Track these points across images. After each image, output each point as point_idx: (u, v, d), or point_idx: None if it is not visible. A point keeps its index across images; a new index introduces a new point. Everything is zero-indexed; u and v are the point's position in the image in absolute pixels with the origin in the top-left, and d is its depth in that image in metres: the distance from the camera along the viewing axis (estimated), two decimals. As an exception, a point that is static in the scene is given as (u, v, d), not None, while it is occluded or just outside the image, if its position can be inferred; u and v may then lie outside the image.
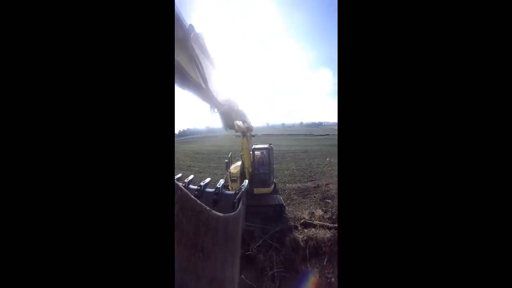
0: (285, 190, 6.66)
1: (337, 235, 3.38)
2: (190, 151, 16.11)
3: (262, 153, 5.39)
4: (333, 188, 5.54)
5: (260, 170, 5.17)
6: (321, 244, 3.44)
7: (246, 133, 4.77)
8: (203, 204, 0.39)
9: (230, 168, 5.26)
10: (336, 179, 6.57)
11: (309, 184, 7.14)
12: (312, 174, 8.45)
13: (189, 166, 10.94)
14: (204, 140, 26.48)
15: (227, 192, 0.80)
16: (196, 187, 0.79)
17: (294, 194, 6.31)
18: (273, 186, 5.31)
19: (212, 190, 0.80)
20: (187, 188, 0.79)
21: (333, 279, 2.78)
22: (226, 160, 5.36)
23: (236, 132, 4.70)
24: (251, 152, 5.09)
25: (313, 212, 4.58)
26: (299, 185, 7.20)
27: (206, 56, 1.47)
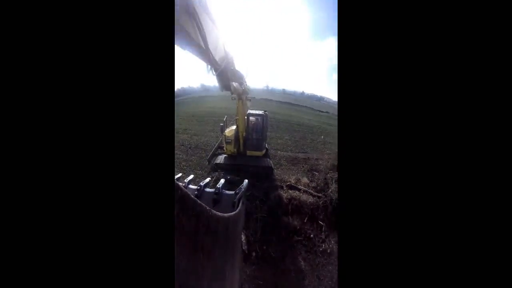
0: (276, 156, 7.08)
1: (320, 202, 3.96)
2: (186, 114, 15.24)
3: (257, 119, 5.46)
4: (322, 163, 6.02)
5: (254, 135, 5.39)
6: (303, 205, 4.01)
7: (242, 96, 4.64)
8: (203, 204, 0.39)
9: (225, 131, 5.36)
10: (327, 156, 7.05)
11: (299, 155, 7.60)
12: (305, 148, 8.87)
13: (186, 129, 10.62)
14: (199, 102, 25.03)
15: (227, 192, 0.79)
16: (196, 187, 0.78)
17: (284, 161, 6.78)
18: (265, 151, 5.67)
19: (212, 190, 0.79)
20: (187, 188, 0.78)
21: (311, 235, 3.41)
22: (221, 124, 5.40)
23: (232, 94, 4.33)
24: (246, 118, 5.13)
25: (299, 179, 5.10)
26: (290, 154, 7.64)
27: (207, 13, 1.33)
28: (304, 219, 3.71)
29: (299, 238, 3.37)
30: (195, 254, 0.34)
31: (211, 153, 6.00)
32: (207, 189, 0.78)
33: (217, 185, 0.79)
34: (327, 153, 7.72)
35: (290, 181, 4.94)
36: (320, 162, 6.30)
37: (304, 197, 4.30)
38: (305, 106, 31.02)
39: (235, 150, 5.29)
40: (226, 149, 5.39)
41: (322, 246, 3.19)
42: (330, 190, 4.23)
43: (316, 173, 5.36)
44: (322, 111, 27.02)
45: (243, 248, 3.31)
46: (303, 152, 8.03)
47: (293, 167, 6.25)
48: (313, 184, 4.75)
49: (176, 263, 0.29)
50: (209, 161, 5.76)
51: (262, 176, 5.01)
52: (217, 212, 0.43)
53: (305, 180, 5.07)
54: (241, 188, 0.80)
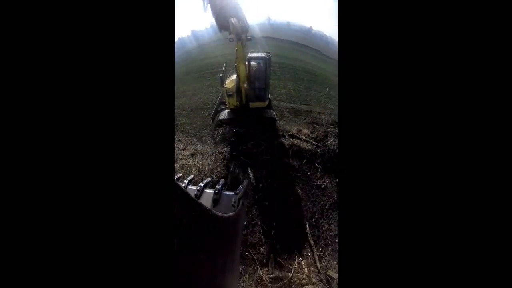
0: (279, 107, 7.14)
1: (318, 150, 4.54)
2: (180, 73, 13.01)
3: (258, 64, 5.04)
4: (324, 118, 6.29)
5: (256, 84, 5.12)
6: (302, 151, 4.59)
7: (241, 35, 4.11)
8: (203, 204, 0.39)
9: (226, 82, 5.01)
10: (329, 111, 7.23)
11: (302, 107, 7.69)
12: (308, 99, 8.79)
13: (183, 91, 9.50)
14: (192, 54, 20.43)
15: (227, 192, 0.80)
16: (196, 187, 0.79)
17: (287, 112, 6.94)
18: (268, 101, 5.60)
19: (212, 190, 0.80)
20: (187, 188, 0.79)
21: (308, 173, 4.13)
22: (220, 74, 4.96)
23: (230, 34, 3.84)
24: (246, 63, 4.70)
25: (301, 130, 5.51)
26: (293, 105, 7.69)
27: None
28: (303, 161, 4.37)
29: (298, 174, 4.15)
30: (195, 254, 0.35)
31: (213, 110, 5.92)
32: (207, 189, 0.80)
33: (217, 185, 0.80)
34: (330, 108, 7.83)
35: (291, 131, 5.36)
36: (322, 116, 6.54)
37: (304, 144, 4.85)
38: (313, 49, 27.26)
39: (238, 103, 5.22)
40: (229, 103, 5.29)
41: (317, 182, 4.03)
42: (328, 142, 4.72)
43: (317, 126, 5.72)
44: (330, 58, 24.27)
45: (252, 182, 4.10)
46: (306, 104, 8.07)
47: (295, 118, 6.51)
48: (313, 135, 5.21)
49: (176, 263, 0.30)
50: (213, 119, 5.77)
51: (266, 128, 5.31)
52: (217, 212, 0.44)
53: (306, 131, 5.49)
54: (241, 188, 0.82)
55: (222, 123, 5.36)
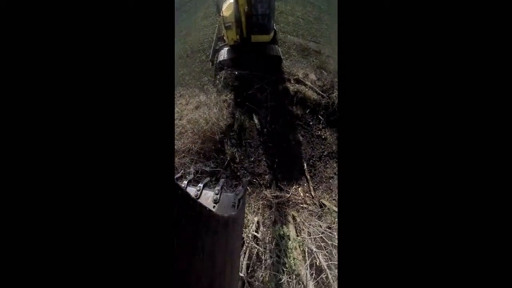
0: (285, 42, 6.18)
1: (322, 101, 4.58)
2: None
3: None
4: (333, 64, 5.83)
5: (259, 10, 4.11)
6: (307, 99, 4.63)
7: None
8: (203, 204, 0.39)
9: (222, 10, 4.00)
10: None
11: (311, 44, 6.79)
12: (318, 36, 7.60)
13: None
14: None
15: (227, 192, 0.80)
16: (195, 187, 0.78)
17: (293, 50, 6.13)
18: (273, 33, 4.77)
19: (212, 190, 0.79)
20: (187, 188, 0.79)
21: (311, 123, 4.39)
22: None
23: None
24: None
25: (307, 74, 5.23)
26: (301, 41, 6.71)
27: None
28: (306, 111, 4.54)
29: (300, 123, 4.43)
30: (195, 254, 0.35)
31: (211, 50, 4.96)
32: (207, 190, 0.79)
33: (217, 185, 0.80)
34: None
35: (298, 75, 5.06)
36: (331, 62, 6.03)
37: (309, 93, 4.81)
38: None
39: (238, 36, 4.35)
40: (227, 37, 4.39)
41: (318, 132, 4.41)
42: (334, 94, 4.69)
43: (325, 73, 5.43)
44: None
45: (257, 127, 4.29)
46: (315, 42, 7.09)
47: (302, 59, 5.92)
48: (320, 83, 5.06)
49: (176, 263, 0.30)
50: (212, 62, 4.94)
51: (270, 68, 4.83)
52: (217, 212, 0.44)
53: (312, 76, 5.24)
54: (241, 189, 0.82)
55: (222, 65, 4.69)
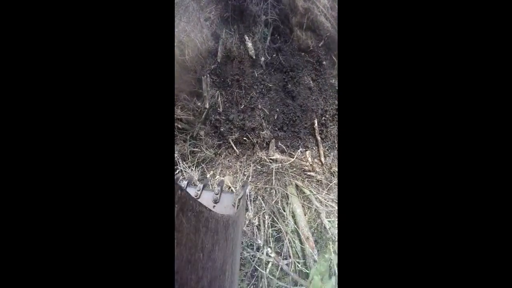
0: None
1: (336, 37, 3.30)
2: None
3: None
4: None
5: None
6: (319, 26, 3.27)
7: None
8: (203, 204, 0.38)
9: None
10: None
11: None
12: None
13: None
14: None
15: (227, 192, 0.78)
16: (195, 187, 0.78)
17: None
18: None
19: (212, 190, 0.79)
20: (187, 188, 0.79)
21: (324, 62, 3.12)
22: None
23: None
24: None
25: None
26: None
27: None
28: (319, 43, 3.24)
29: (311, 60, 3.14)
30: (195, 254, 0.34)
31: None
32: (207, 190, 0.79)
33: (217, 185, 0.79)
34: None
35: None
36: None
37: (321, 18, 3.43)
38: None
39: None
40: None
41: (332, 80, 3.22)
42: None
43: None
44: None
45: (251, 55, 2.76)
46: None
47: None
48: (334, 13, 3.68)
49: (176, 263, 0.30)
50: None
51: None
52: (217, 212, 0.43)
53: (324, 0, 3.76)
54: (241, 189, 0.82)
55: None
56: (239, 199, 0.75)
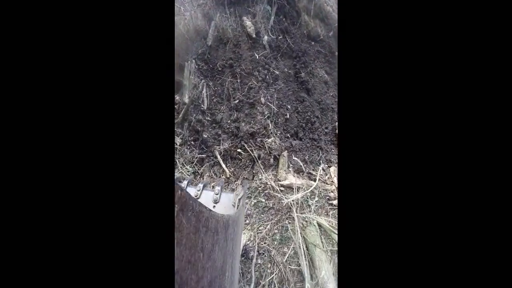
0: None
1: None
2: None
3: None
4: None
5: None
6: (328, 16, 2.80)
7: None
8: (203, 204, 0.37)
9: None
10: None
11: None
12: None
13: None
14: None
15: (227, 192, 0.78)
16: (195, 187, 0.77)
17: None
18: None
19: (212, 190, 0.79)
20: (187, 188, 0.77)
21: (336, 53, 2.55)
22: None
23: None
24: None
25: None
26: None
27: None
28: (329, 32, 2.71)
29: (322, 50, 2.53)
30: (195, 254, 0.35)
31: None
32: (207, 190, 0.79)
33: (217, 185, 0.79)
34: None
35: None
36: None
37: (327, 8, 3.00)
38: None
39: None
40: None
41: None
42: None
43: None
44: None
45: (250, 35, 2.05)
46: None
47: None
48: None
49: (176, 263, 0.30)
50: None
51: None
52: (217, 212, 0.43)
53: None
54: (240, 189, 0.81)
55: None
56: (239, 199, 0.74)
